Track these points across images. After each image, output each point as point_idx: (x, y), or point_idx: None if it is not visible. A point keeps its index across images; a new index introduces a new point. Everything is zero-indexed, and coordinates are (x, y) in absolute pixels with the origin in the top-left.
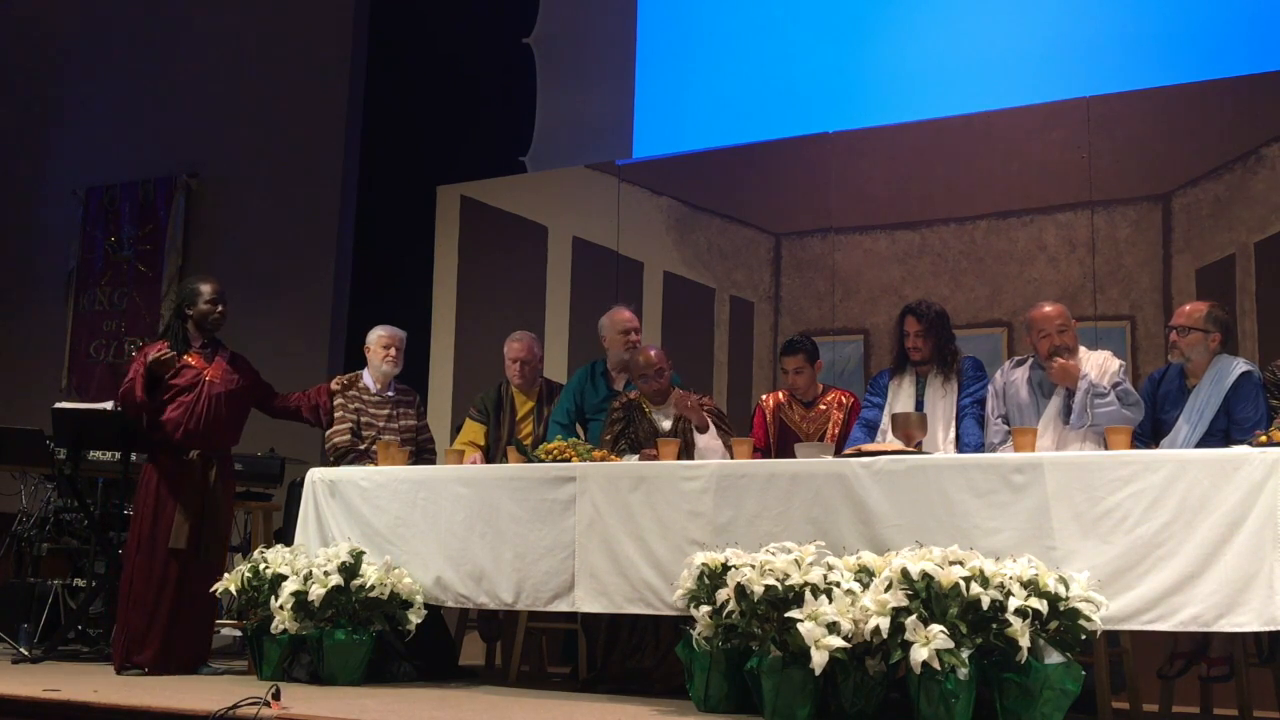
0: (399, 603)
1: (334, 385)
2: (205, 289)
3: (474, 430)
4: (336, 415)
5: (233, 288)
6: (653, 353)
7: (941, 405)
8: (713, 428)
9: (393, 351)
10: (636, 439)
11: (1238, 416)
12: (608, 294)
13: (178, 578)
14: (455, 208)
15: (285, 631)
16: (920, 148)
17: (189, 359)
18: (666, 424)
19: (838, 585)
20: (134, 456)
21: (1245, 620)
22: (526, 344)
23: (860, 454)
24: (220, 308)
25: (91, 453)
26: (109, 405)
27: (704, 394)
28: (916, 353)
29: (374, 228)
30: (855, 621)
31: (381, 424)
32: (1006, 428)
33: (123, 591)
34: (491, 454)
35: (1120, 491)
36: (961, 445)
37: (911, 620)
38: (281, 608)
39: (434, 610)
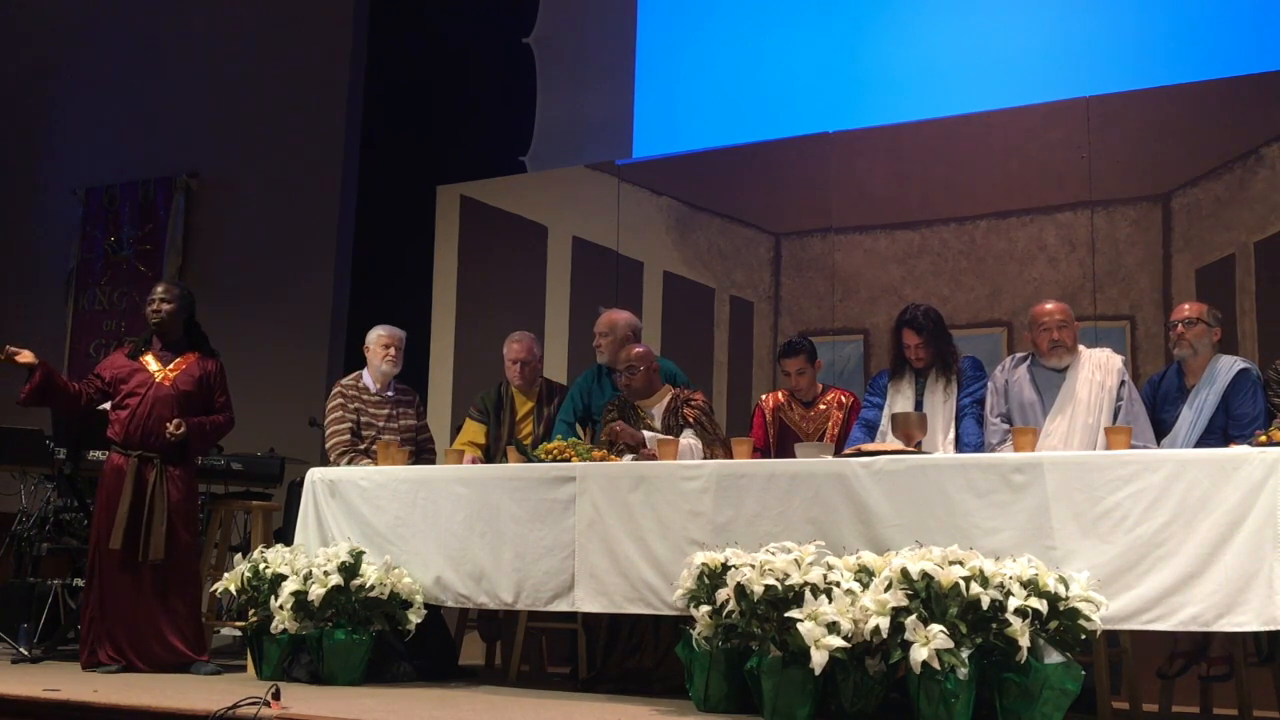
0: (399, 602)
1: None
2: (153, 290)
3: (474, 430)
4: (336, 415)
5: (232, 287)
6: (635, 350)
7: (941, 405)
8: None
9: (392, 351)
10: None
11: (1236, 413)
12: (607, 294)
13: (131, 578)
14: (455, 207)
15: (285, 631)
16: (920, 147)
17: (148, 361)
18: (656, 423)
19: (837, 585)
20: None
21: (1245, 620)
22: (526, 344)
23: (860, 454)
24: (153, 306)
25: (91, 452)
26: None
27: (696, 391)
28: (920, 362)
29: (374, 227)
30: (855, 621)
31: (381, 424)
32: (1006, 426)
33: (84, 589)
34: (491, 454)
35: (1120, 491)
36: (961, 445)
37: (911, 620)
38: (281, 607)
39: (434, 610)
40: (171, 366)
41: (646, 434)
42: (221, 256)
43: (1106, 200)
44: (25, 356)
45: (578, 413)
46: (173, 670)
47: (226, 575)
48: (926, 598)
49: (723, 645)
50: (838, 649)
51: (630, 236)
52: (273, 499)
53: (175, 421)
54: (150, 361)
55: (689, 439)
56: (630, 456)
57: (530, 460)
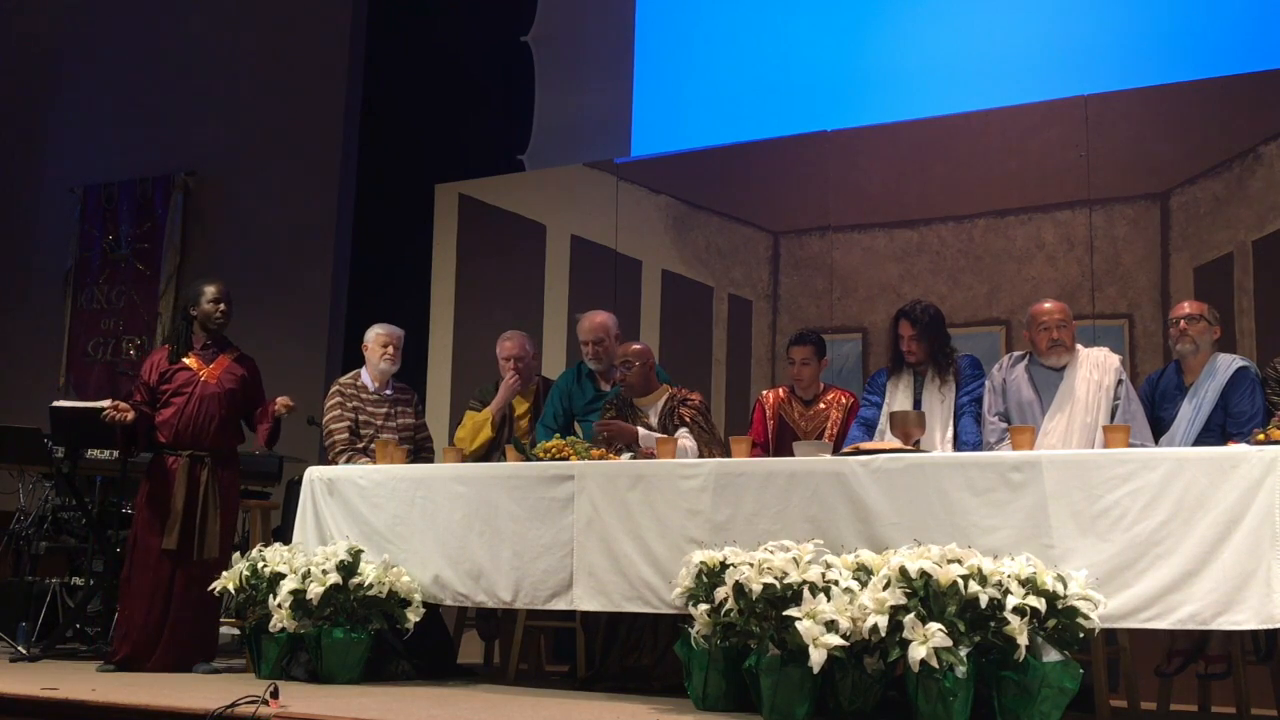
0: (397, 601)
1: (279, 407)
2: (209, 289)
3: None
4: (335, 414)
5: (231, 286)
6: (633, 347)
7: (939, 404)
8: (682, 437)
9: (391, 350)
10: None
11: (1234, 410)
12: (606, 292)
13: (169, 578)
14: (454, 206)
15: (283, 630)
16: (918, 146)
17: (187, 360)
18: (654, 422)
19: (836, 583)
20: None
21: (1243, 618)
22: (518, 341)
23: (858, 452)
24: (223, 307)
25: (89, 451)
26: (107, 403)
27: (693, 392)
28: (912, 356)
29: (372, 226)
30: (853, 620)
31: (380, 422)
32: (1003, 425)
33: (120, 589)
34: (490, 453)
35: (1118, 489)
36: (960, 444)
37: (910, 618)
38: (280, 606)
39: (432, 609)
40: (214, 365)
41: (641, 430)
42: (219, 255)
43: (1105, 199)
44: (131, 415)
45: (559, 417)
46: (162, 669)
47: (225, 574)
48: (925, 596)
49: (721, 644)
50: (836, 647)
51: (629, 235)
52: (271, 498)
53: (283, 399)
54: (192, 361)
55: (685, 439)
56: (628, 455)
57: (528, 459)
